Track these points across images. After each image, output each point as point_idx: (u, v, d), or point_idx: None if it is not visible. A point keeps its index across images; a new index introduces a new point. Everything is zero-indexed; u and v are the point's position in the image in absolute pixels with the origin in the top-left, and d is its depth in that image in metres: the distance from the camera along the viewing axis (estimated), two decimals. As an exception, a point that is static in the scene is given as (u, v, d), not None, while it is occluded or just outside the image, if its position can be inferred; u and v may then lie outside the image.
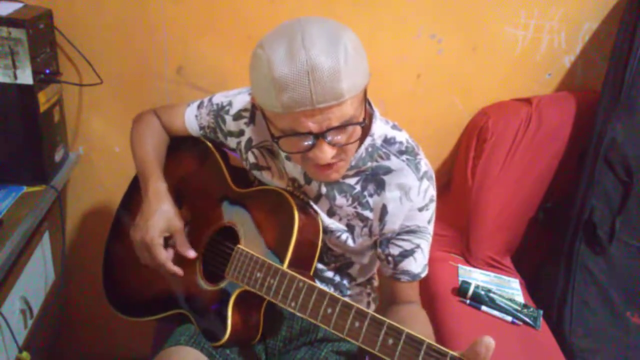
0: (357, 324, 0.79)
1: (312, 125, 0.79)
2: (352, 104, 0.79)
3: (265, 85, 0.78)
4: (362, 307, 0.81)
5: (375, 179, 0.97)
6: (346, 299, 0.82)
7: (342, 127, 0.80)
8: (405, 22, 1.41)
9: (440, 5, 1.39)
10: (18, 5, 1.25)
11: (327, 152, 0.82)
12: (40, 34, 1.24)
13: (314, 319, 0.84)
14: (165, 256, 0.99)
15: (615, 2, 1.40)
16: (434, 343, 0.73)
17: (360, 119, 0.83)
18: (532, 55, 1.45)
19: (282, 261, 0.92)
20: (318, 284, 0.87)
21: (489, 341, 0.69)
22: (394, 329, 0.76)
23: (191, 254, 1.01)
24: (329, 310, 0.82)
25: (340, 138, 0.82)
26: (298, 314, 0.86)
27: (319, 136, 0.80)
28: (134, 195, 1.21)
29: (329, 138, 0.81)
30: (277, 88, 0.76)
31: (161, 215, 0.99)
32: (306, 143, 0.82)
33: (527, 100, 1.45)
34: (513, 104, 1.47)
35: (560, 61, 1.47)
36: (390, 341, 0.75)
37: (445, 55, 1.45)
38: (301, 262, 0.95)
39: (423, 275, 1.02)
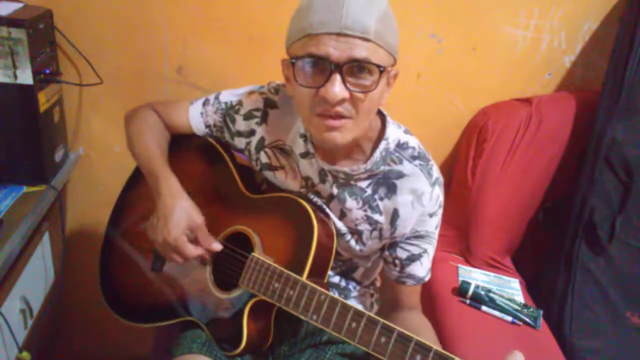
0: (383, 339, 0.78)
1: (332, 51, 0.78)
2: (377, 53, 0.80)
3: (300, 14, 0.81)
4: (366, 308, 0.81)
5: (387, 182, 0.96)
6: (363, 309, 0.82)
7: (361, 66, 0.79)
8: (405, 22, 1.41)
9: (440, 5, 1.39)
10: (18, 5, 1.25)
11: (338, 87, 0.79)
12: (40, 34, 1.24)
13: (337, 333, 0.83)
14: (194, 251, 0.96)
15: (615, 2, 1.40)
16: None
17: (381, 80, 0.82)
18: (532, 55, 1.45)
19: (301, 272, 0.89)
20: (342, 298, 0.85)
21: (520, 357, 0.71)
22: (421, 346, 0.75)
23: (216, 246, 0.97)
24: (354, 325, 0.81)
25: (355, 81, 0.81)
26: (320, 326, 0.85)
27: (335, 68, 0.78)
28: (131, 198, 1.18)
29: (345, 74, 0.79)
30: (311, 10, 0.78)
31: (181, 213, 0.96)
32: (320, 76, 0.80)
33: (527, 100, 1.45)
34: (513, 104, 1.47)
35: (560, 61, 1.47)
36: (418, 358, 0.75)
37: (445, 55, 1.45)
38: (317, 271, 0.93)
39: (427, 279, 1.02)
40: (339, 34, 0.77)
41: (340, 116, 0.83)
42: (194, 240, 0.98)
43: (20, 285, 1.25)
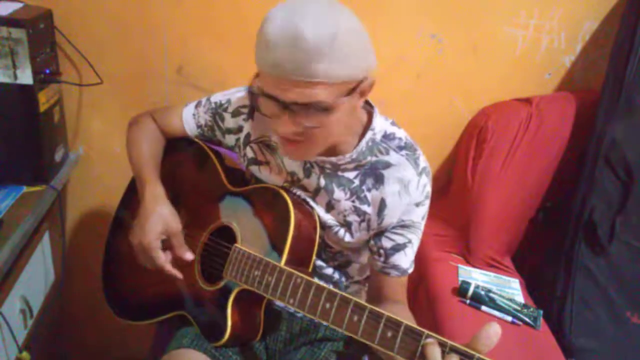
0: (355, 317, 0.79)
1: (279, 92, 0.80)
2: (326, 90, 0.79)
3: (259, 41, 0.80)
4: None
5: (374, 173, 0.97)
6: (344, 293, 0.82)
7: (306, 107, 0.80)
8: (405, 22, 1.41)
9: (440, 5, 1.39)
10: (18, 5, 1.25)
11: (285, 126, 0.82)
12: (40, 34, 1.24)
13: (312, 315, 0.84)
14: (163, 259, 0.99)
15: (615, 1, 1.40)
16: (432, 334, 0.73)
17: (335, 109, 0.82)
18: (532, 55, 1.45)
19: (279, 258, 0.92)
20: (317, 280, 0.87)
21: (497, 328, 0.70)
22: (392, 322, 0.76)
23: (188, 256, 1.01)
24: (327, 305, 0.83)
25: (303, 118, 0.82)
26: (297, 310, 0.86)
27: (285, 108, 0.81)
28: (132, 197, 1.20)
29: (292, 113, 0.81)
30: (267, 46, 0.78)
31: (158, 218, 0.99)
32: (274, 110, 0.83)
33: (527, 100, 1.45)
34: (513, 104, 1.47)
35: (560, 61, 1.47)
36: (390, 334, 0.76)
37: (445, 55, 1.45)
38: (299, 259, 0.95)
39: (410, 271, 1.02)
40: (286, 78, 0.78)
41: (296, 141, 0.86)
42: (169, 246, 1.01)
43: (20, 285, 1.25)
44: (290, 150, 0.90)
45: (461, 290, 1.35)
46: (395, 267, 1.00)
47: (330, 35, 0.76)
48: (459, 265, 1.47)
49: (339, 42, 0.76)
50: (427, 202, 0.99)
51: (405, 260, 1.00)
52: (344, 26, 0.78)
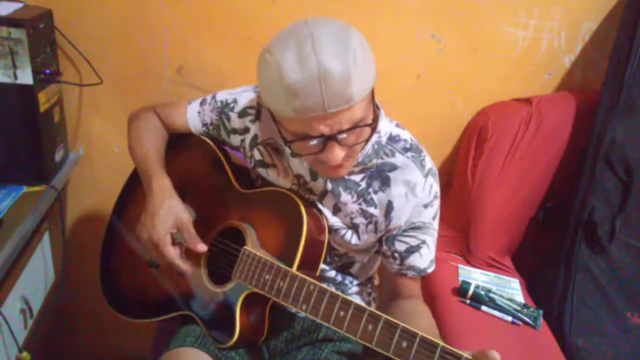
0: (370, 327, 0.79)
1: (323, 129, 0.80)
2: (362, 106, 0.81)
3: (276, 90, 0.78)
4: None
5: (381, 175, 0.98)
6: (357, 301, 0.82)
7: (351, 129, 0.82)
8: (405, 22, 1.41)
9: (440, 5, 1.39)
10: (18, 5, 1.25)
11: (338, 154, 0.83)
12: (40, 34, 1.24)
13: (326, 322, 0.84)
14: (173, 254, 0.98)
15: (615, 2, 1.40)
16: (447, 346, 0.73)
17: (369, 120, 0.85)
18: (532, 55, 1.45)
19: (291, 263, 0.92)
20: (330, 287, 0.87)
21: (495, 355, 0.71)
22: (407, 332, 0.76)
23: (202, 247, 0.99)
24: (342, 314, 0.83)
25: (350, 139, 0.84)
26: (310, 316, 0.86)
27: (330, 138, 0.81)
28: (131, 195, 1.19)
29: (340, 140, 0.82)
30: (289, 94, 0.77)
31: (167, 211, 0.98)
32: (317, 145, 0.83)
33: (527, 100, 1.45)
34: (513, 104, 1.47)
35: (560, 61, 1.47)
36: (405, 344, 0.76)
37: (445, 55, 1.45)
38: (309, 264, 0.95)
39: (430, 270, 1.03)
40: (325, 114, 0.78)
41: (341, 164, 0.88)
42: (181, 240, 0.99)
43: (20, 285, 1.25)
44: (334, 172, 0.90)
45: (461, 290, 1.35)
46: (411, 267, 1.01)
47: (352, 57, 0.76)
48: (459, 265, 1.47)
49: (358, 58, 0.77)
50: (436, 202, 1.00)
51: (422, 261, 1.01)
52: (354, 40, 0.79)
